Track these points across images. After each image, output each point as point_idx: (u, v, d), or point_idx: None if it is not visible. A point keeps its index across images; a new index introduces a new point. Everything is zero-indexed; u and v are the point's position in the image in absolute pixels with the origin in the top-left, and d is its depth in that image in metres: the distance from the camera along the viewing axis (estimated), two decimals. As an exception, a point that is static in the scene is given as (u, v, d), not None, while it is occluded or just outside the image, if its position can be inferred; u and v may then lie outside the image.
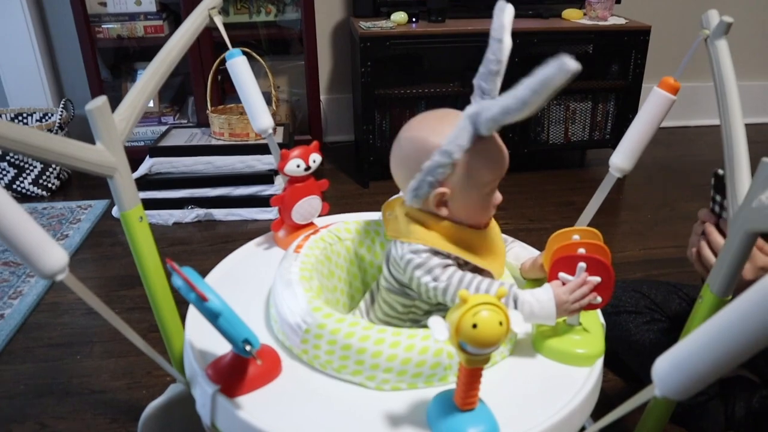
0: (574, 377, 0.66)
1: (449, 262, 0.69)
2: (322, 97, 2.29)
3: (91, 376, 1.16)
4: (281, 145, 0.99)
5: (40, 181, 1.93)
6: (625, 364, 1.09)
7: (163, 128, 2.00)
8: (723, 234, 0.73)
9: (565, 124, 2.09)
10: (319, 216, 0.96)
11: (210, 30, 1.90)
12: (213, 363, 0.65)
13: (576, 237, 0.70)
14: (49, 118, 2.03)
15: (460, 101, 1.99)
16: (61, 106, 1.95)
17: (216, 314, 0.57)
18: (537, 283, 0.78)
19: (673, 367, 0.43)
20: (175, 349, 0.87)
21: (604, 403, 0.67)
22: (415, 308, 0.76)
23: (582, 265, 0.66)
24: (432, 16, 1.96)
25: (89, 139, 0.71)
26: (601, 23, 2.00)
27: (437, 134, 0.67)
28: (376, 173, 2.05)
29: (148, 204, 1.74)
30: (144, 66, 0.81)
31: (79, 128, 1.99)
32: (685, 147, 2.41)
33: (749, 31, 2.50)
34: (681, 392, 0.42)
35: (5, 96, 2.15)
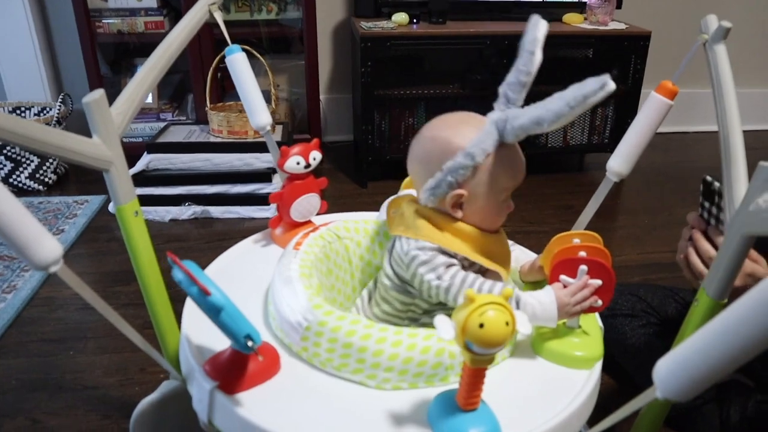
0: (573, 380, 0.66)
1: (454, 261, 0.70)
2: (322, 96, 2.29)
3: (84, 371, 1.15)
4: (280, 144, 0.98)
5: (37, 175, 1.93)
6: (621, 366, 1.09)
7: (162, 125, 2.00)
8: (711, 241, 0.73)
9: (564, 128, 2.09)
10: (317, 214, 0.96)
11: (210, 27, 1.90)
12: (211, 359, 0.64)
13: (577, 241, 0.70)
14: (48, 112, 2.02)
15: (459, 103, 1.99)
16: (60, 100, 1.94)
17: (218, 309, 0.56)
18: (535, 285, 0.78)
19: (674, 369, 0.43)
20: (168, 345, 0.87)
21: (600, 405, 0.67)
22: (415, 306, 0.75)
23: (583, 267, 0.66)
24: (433, 17, 1.96)
25: (87, 134, 0.71)
26: (601, 28, 2.00)
27: (461, 136, 0.69)
28: (374, 173, 2.05)
29: (145, 200, 1.73)
30: (144, 62, 0.80)
31: (78, 123, 1.97)
32: (683, 152, 2.42)
33: (748, 39, 2.50)
34: (682, 394, 0.42)
35: (4, 89, 2.14)
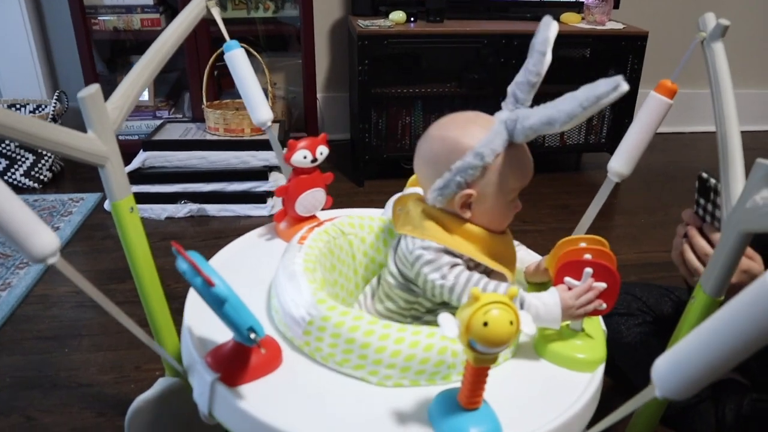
0: (575, 382, 0.65)
1: (459, 261, 0.69)
2: (319, 95, 2.29)
3: (79, 369, 1.15)
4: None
5: (32, 173, 1.92)
6: (616, 365, 1.09)
7: (158, 122, 1.99)
8: (706, 238, 0.73)
9: (561, 128, 2.09)
10: (322, 209, 0.95)
11: (207, 24, 1.89)
12: (213, 351, 0.64)
13: (583, 244, 0.70)
14: (43, 109, 2.01)
15: (456, 102, 1.99)
16: (55, 97, 1.93)
17: (222, 300, 0.55)
18: (540, 286, 0.78)
19: (672, 367, 0.42)
20: (164, 341, 0.86)
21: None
22: (418, 305, 0.75)
23: (588, 270, 0.66)
24: (430, 16, 1.96)
25: (82, 131, 0.70)
26: (598, 28, 2.00)
27: (469, 136, 0.68)
28: (371, 172, 2.05)
29: (141, 198, 1.73)
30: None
31: (73, 121, 1.97)
32: (681, 153, 2.42)
33: (746, 40, 2.51)
34: (681, 392, 0.42)
35: (-1, 87, 2.13)
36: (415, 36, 1.90)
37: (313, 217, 0.94)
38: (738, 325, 0.38)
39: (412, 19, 1.95)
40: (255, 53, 1.81)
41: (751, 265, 0.73)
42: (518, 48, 1.87)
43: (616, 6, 2.12)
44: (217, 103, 1.95)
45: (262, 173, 1.76)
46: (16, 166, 1.90)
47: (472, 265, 0.71)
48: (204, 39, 1.93)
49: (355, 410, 0.60)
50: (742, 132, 0.67)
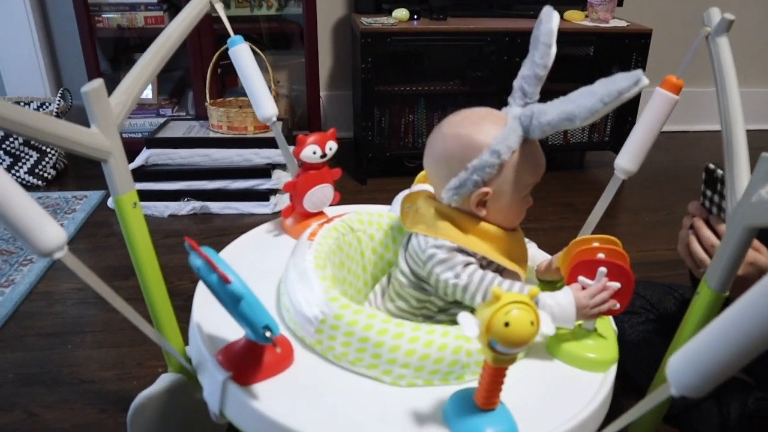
0: (588, 382, 0.65)
1: (472, 260, 0.69)
2: (322, 93, 2.29)
3: (82, 365, 1.15)
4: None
5: (36, 170, 1.92)
6: (619, 363, 1.08)
7: (162, 120, 1.99)
8: (712, 229, 0.72)
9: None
10: (330, 205, 0.95)
11: (211, 21, 1.89)
12: (224, 349, 0.63)
13: (596, 244, 0.69)
14: (47, 107, 2.01)
15: (459, 99, 1.98)
16: (59, 95, 1.94)
17: (238, 298, 0.54)
18: (550, 285, 0.78)
19: (688, 364, 0.41)
20: (167, 337, 0.86)
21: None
22: (430, 304, 0.75)
23: (603, 269, 0.66)
24: (434, 13, 1.95)
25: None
26: (602, 25, 2.00)
27: (484, 133, 0.68)
28: (374, 170, 2.04)
29: (145, 195, 1.73)
30: (143, 57, 0.80)
31: (77, 118, 1.95)
32: (685, 151, 2.41)
33: (751, 38, 2.50)
34: (698, 389, 0.41)
35: (3, 84, 2.13)
36: (418, 34, 1.90)
37: (321, 213, 0.93)
38: (755, 318, 0.37)
39: (415, 16, 1.94)
40: (258, 51, 1.81)
41: (758, 257, 0.72)
42: (522, 46, 1.86)
43: (620, 3, 2.11)
44: (220, 100, 1.95)
45: (265, 171, 1.76)
46: (20, 164, 1.90)
47: (485, 264, 0.70)
48: (208, 37, 1.93)
49: (369, 410, 0.60)
50: (747, 131, 0.67)
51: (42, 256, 0.54)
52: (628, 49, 2.00)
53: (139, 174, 1.73)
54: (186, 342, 0.80)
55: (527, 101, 0.69)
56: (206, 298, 0.58)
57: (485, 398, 0.54)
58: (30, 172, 1.92)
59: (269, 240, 0.91)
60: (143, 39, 2.00)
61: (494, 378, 0.53)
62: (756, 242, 0.72)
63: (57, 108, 1.91)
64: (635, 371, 1.04)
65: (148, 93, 2.09)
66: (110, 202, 1.75)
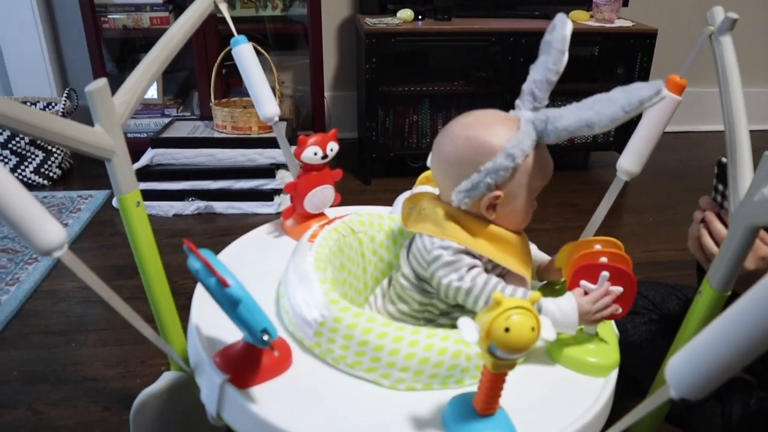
0: (589, 387, 0.64)
1: (477, 263, 0.68)
2: (327, 93, 2.29)
3: (85, 364, 1.15)
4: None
5: (42, 170, 1.93)
6: (622, 364, 1.08)
7: (167, 120, 2.00)
8: (724, 223, 0.72)
9: (569, 126, 2.08)
10: (331, 206, 0.94)
11: (216, 22, 1.90)
12: (222, 351, 0.63)
13: (598, 246, 0.69)
14: (53, 107, 2.03)
15: (464, 100, 1.98)
16: (65, 95, 1.95)
17: (236, 301, 0.54)
18: (551, 287, 0.78)
19: (688, 366, 0.41)
20: (170, 337, 0.86)
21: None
22: (432, 307, 0.74)
23: (605, 274, 0.65)
24: (438, 14, 1.95)
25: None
26: (607, 25, 1.99)
27: (498, 136, 0.67)
28: (378, 170, 2.05)
29: (149, 195, 1.73)
30: (148, 57, 0.80)
31: (83, 118, 1.97)
32: (689, 152, 2.40)
33: (755, 39, 2.48)
34: (697, 391, 0.41)
35: (10, 84, 2.15)
36: (422, 34, 1.90)
37: (322, 214, 0.93)
38: (755, 319, 0.37)
39: (419, 17, 1.95)
40: (263, 51, 1.81)
41: None
42: (526, 46, 1.86)
43: (625, 4, 2.10)
44: (225, 101, 1.96)
45: (269, 171, 1.77)
46: (26, 163, 1.91)
47: (490, 268, 0.70)
48: (212, 37, 1.94)
49: (367, 414, 0.59)
50: (750, 131, 0.67)
51: (42, 254, 0.54)
52: (633, 49, 1.99)
53: (144, 174, 1.74)
54: (188, 341, 0.80)
55: (537, 105, 0.69)
56: (205, 299, 0.58)
57: (484, 403, 0.54)
58: (36, 171, 1.93)
59: (270, 241, 0.91)
60: (149, 40, 2.00)
61: (493, 383, 0.53)
62: (766, 236, 0.71)
63: (63, 108, 1.92)
64: (638, 372, 1.04)
65: (153, 93, 2.10)
66: (115, 202, 1.75)
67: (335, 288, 0.71)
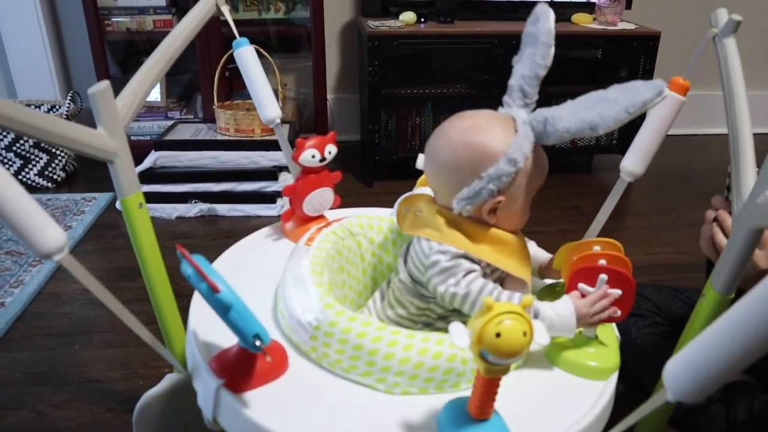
0: (588, 391, 0.64)
1: (476, 268, 0.68)
2: (330, 96, 2.29)
3: (89, 365, 1.15)
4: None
5: (46, 172, 1.94)
6: (625, 368, 1.07)
7: (170, 123, 2.01)
8: None
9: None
10: (330, 209, 0.94)
11: (219, 24, 1.91)
12: (217, 356, 0.63)
13: (597, 248, 0.68)
14: (57, 110, 2.03)
15: (467, 102, 1.98)
16: (69, 98, 1.96)
17: (227, 307, 0.54)
18: (552, 291, 0.77)
19: (685, 369, 0.41)
20: (172, 339, 0.86)
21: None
22: (429, 311, 0.74)
23: (603, 277, 0.64)
24: (441, 16, 1.96)
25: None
26: (610, 28, 1.99)
27: (496, 140, 0.66)
28: (381, 173, 2.05)
29: (152, 197, 1.74)
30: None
31: (86, 121, 1.97)
32: (693, 155, 2.40)
33: (758, 41, 2.48)
34: (695, 394, 0.41)
35: (14, 87, 2.16)
36: (425, 37, 1.90)
37: (321, 216, 0.93)
38: (752, 323, 0.37)
39: (422, 19, 1.95)
40: (266, 54, 1.82)
41: None
42: (529, 49, 1.86)
43: (628, 6, 2.10)
44: (228, 103, 1.96)
45: (272, 173, 1.77)
46: (30, 166, 1.92)
47: (489, 271, 0.69)
48: (216, 40, 1.94)
49: (362, 418, 0.59)
50: (754, 134, 0.66)
51: (41, 257, 0.54)
52: (636, 51, 1.99)
53: (147, 176, 1.74)
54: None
55: (527, 101, 0.68)
56: (203, 304, 0.58)
57: (478, 408, 0.53)
58: (40, 174, 1.93)
59: (269, 244, 0.91)
60: (152, 42, 2.00)
61: (487, 388, 0.52)
62: None
63: (67, 111, 1.93)
64: (642, 374, 1.04)
65: (156, 96, 2.10)
66: (118, 204, 1.76)
67: (332, 291, 0.71)
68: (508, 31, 1.89)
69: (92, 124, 0.70)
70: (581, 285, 0.66)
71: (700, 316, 0.63)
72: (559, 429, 0.58)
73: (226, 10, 0.90)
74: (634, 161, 0.77)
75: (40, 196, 1.87)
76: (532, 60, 0.67)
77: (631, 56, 2.01)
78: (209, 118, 2.01)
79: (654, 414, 0.68)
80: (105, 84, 0.70)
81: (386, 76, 1.88)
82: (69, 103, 1.95)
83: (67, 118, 1.94)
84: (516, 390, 0.61)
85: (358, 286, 0.86)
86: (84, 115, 2.00)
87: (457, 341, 0.49)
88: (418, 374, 0.61)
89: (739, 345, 0.38)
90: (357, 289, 0.86)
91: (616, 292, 0.65)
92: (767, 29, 2.47)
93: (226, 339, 0.63)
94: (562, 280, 0.77)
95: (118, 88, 0.71)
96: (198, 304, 0.73)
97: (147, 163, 1.75)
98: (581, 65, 2.10)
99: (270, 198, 1.78)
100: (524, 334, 0.48)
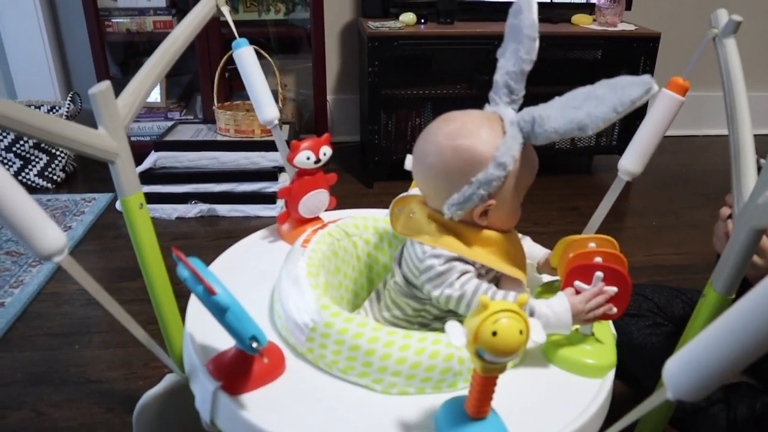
0: (585, 389, 0.63)
1: (469, 269, 0.67)
2: (329, 97, 2.29)
3: (89, 365, 1.15)
4: (287, 143, 0.98)
5: (46, 173, 1.94)
6: (626, 367, 1.07)
7: (170, 123, 2.01)
8: None
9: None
10: (326, 210, 0.94)
11: (219, 25, 1.91)
12: (215, 358, 0.63)
13: (592, 245, 0.68)
14: (57, 110, 2.03)
15: (467, 103, 1.98)
16: (69, 98, 1.96)
17: (223, 309, 0.54)
18: (550, 286, 0.77)
19: (685, 368, 0.41)
20: (173, 340, 0.86)
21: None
22: (426, 312, 0.74)
23: (599, 274, 0.64)
24: (441, 17, 1.96)
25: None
26: (610, 29, 1.99)
27: (485, 143, 0.65)
28: (380, 174, 2.05)
29: (152, 198, 1.74)
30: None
31: (87, 122, 1.97)
32: (693, 156, 2.40)
33: (759, 42, 2.48)
34: (694, 393, 0.41)
35: (14, 88, 2.16)
36: (425, 37, 1.90)
37: (317, 218, 0.93)
38: (752, 322, 0.37)
39: (422, 20, 1.95)
40: (266, 55, 1.82)
41: None
42: (529, 49, 1.86)
43: (628, 7, 2.10)
44: (228, 104, 1.96)
45: (271, 174, 1.77)
46: (30, 167, 1.92)
47: (484, 272, 0.69)
48: (216, 41, 1.94)
49: (360, 419, 0.59)
50: (755, 135, 0.66)
51: (41, 259, 0.54)
52: (636, 52, 1.99)
53: (147, 177, 1.74)
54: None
55: (514, 98, 0.68)
56: (200, 306, 0.58)
57: (475, 407, 0.53)
58: (40, 174, 1.93)
59: (265, 246, 0.91)
60: (152, 43, 2.01)
61: (484, 387, 0.52)
62: None
63: (67, 111, 1.93)
64: (642, 374, 1.04)
65: (156, 96, 2.10)
66: (118, 204, 1.76)
67: (328, 292, 0.71)
68: (508, 31, 1.89)
69: (92, 125, 0.70)
70: (577, 282, 0.66)
71: (700, 317, 0.63)
72: (557, 427, 0.58)
73: (226, 10, 0.90)
74: (632, 160, 0.77)
75: (39, 197, 1.87)
76: (517, 56, 0.66)
77: (631, 57, 2.01)
78: (209, 119, 2.01)
79: (654, 415, 0.68)
80: (106, 84, 0.70)
81: (386, 76, 1.88)
82: (69, 104, 1.95)
83: (67, 118, 1.93)
84: (513, 388, 0.61)
85: (355, 287, 0.86)
86: (84, 116, 2.00)
87: (453, 340, 0.49)
88: (415, 374, 0.61)
89: (740, 344, 0.38)
90: (353, 290, 0.86)
91: (612, 289, 0.65)
92: (767, 30, 2.47)
93: (223, 341, 0.63)
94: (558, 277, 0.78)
95: (118, 88, 0.71)
96: (195, 307, 0.73)
97: (147, 163, 1.75)
98: (581, 66, 2.10)
99: (270, 198, 1.78)
100: (520, 332, 0.48)
